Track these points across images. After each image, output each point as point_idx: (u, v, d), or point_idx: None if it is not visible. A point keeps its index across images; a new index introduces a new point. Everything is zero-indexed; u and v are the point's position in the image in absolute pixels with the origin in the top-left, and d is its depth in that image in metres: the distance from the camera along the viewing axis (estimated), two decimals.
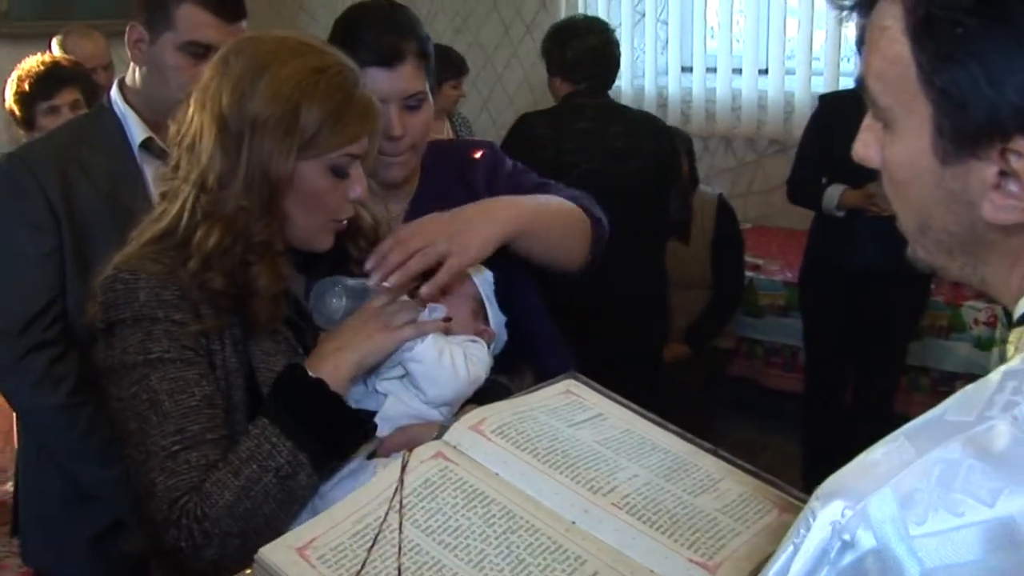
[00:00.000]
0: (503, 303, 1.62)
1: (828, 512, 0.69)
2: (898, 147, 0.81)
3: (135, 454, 1.29)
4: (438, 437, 1.22)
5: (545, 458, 1.19)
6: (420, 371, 1.40)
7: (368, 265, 1.47)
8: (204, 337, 1.34)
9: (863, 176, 3.41)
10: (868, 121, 0.86)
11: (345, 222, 1.46)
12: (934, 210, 0.80)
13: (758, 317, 4.29)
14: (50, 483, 2.07)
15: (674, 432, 1.30)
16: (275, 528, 1.26)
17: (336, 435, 1.32)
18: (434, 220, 1.55)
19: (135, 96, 2.06)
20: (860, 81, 0.84)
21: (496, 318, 1.59)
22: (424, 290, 1.46)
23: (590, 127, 3.36)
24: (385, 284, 1.44)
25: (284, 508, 1.29)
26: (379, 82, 1.67)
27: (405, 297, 1.47)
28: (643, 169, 3.35)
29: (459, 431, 1.22)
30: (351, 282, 1.44)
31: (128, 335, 1.31)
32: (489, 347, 1.53)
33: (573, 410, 1.31)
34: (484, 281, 1.59)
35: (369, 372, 1.43)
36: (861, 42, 0.87)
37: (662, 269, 3.60)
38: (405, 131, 1.73)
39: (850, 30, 3.76)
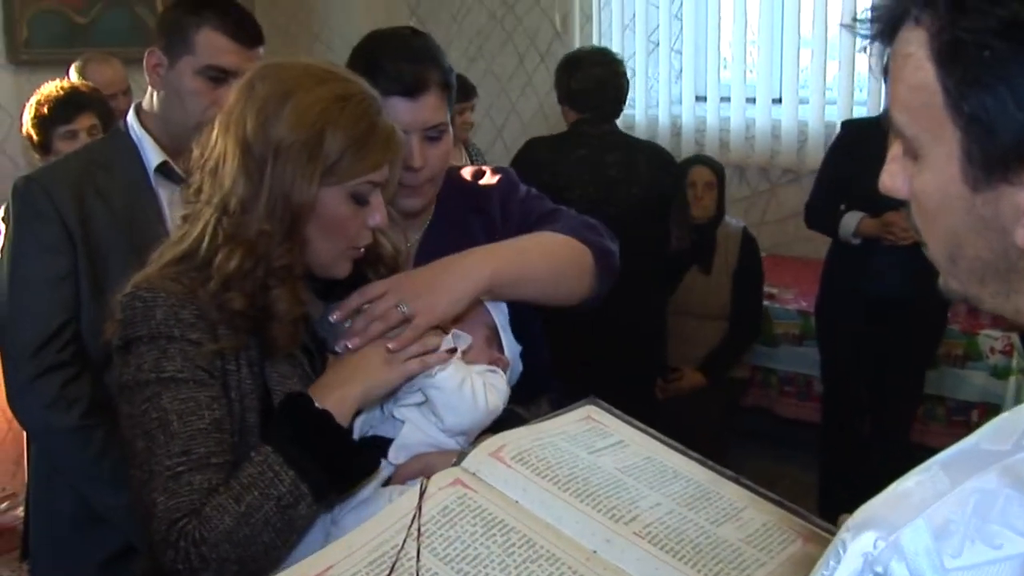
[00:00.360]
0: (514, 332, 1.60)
1: (860, 543, 0.68)
2: (927, 176, 0.79)
3: (139, 473, 1.29)
4: (456, 464, 1.21)
5: (565, 485, 1.18)
6: (440, 399, 1.38)
7: (332, 318, 1.46)
8: (220, 358, 1.33)
9: (882, 204, 3.49)
10: (895, 151, 0.84)
11: (363, 249, 1.46)
12: (965, 238, 0.78)
13: (773, 346, 4.27)
14: (61, 506, 2.05)
15: (695, 459, 1.29)
16: (273, 556, 1.27)
17: (339, 467, 1.31)
18: (404, 278, 1.52)
19: (152, 120, 2.07)
20: (886, 113, 0.82)
21: (511, 347, 1.57)
22: (391, 346, 1.41)
23: (588, 155, 3.43)
24: (348, 346, 1.42)
25: (283, 537, 1.27)
26: (401, 112, 1.66)
27: None
28: (640, 198, 3.38)
29: (478, 458, 1.21)
30: (366, 306, 1.43)
31: (144, 352, 1.31)
32: (505, 376, 1.52)
33: (593, 437, 1.30)
34: (499, 310, 1.58)
35: (387, 397, 1.42)
36: (886, 72, 0.86)
37: (661, 298, 3.61)
38: (425, 162, 1.72)
39: (863, 60, 3.76)
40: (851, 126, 3.83)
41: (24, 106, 3.20)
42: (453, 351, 1.43)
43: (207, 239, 1.35)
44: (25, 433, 2.44)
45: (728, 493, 1.22)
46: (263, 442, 1.30)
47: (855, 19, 0.83)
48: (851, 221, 3.61)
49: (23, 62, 4.73)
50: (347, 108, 1.35)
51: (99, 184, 1.99)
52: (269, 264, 1.34)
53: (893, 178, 0.84)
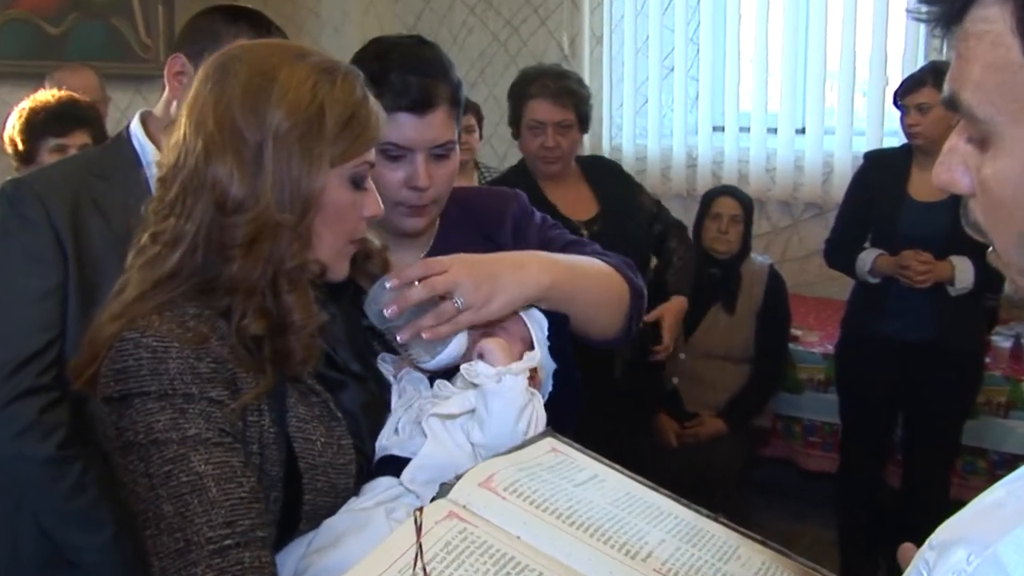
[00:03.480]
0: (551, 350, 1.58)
1: (949, 562, 0.67)
2: (1001, 162, 0.77)
3: (168, 540, 1.19)
4: (442, 496, 1.18)
5: (568, 519, 1.16)
6: (497, 411, 1.35)
7: (389, 284, 1.43)
8: (241, 418, 1.27)
9: (902, 241, 3.50)
10: (953, 142, 0.83)
11: (359, 244, 1.44)
12: None
13: (796, 392, 4.26)
14: (25, 545, 2.01)
15: (668, 496, 1.30)
16: None
17: None
18: (463, 262, 1.51)
19: (163, 131, 2.05)
20: (949, 97, 0.80)
21: (546, 365, 1.55)
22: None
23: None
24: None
25: None
26: (407, 129, 1.66)
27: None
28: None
29: (467, 489, 1.18)
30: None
31: (153, 411, 1.22)
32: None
33: (568, 469, 1.28)
34: (537, 324, 1.56)
35: (410, 411, 1.42)
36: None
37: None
38: (431, 182, 1.72)
39: (895, 84, 3.78)
40: (875, 157, 3.87)
41: None
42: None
43: (201, 252, 1.28)
44: None
45: (714, 531, 1.23)
46: None
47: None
48: (867, 258, 3.66)
49: None
50: (338, 81, 1.33)
51: (96, 194, 1.96)
52: (279, 266, 1.29)
53: (951, 171, 0.82)
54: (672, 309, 3.53)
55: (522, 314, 1.56)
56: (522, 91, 3.42)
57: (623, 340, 1.79)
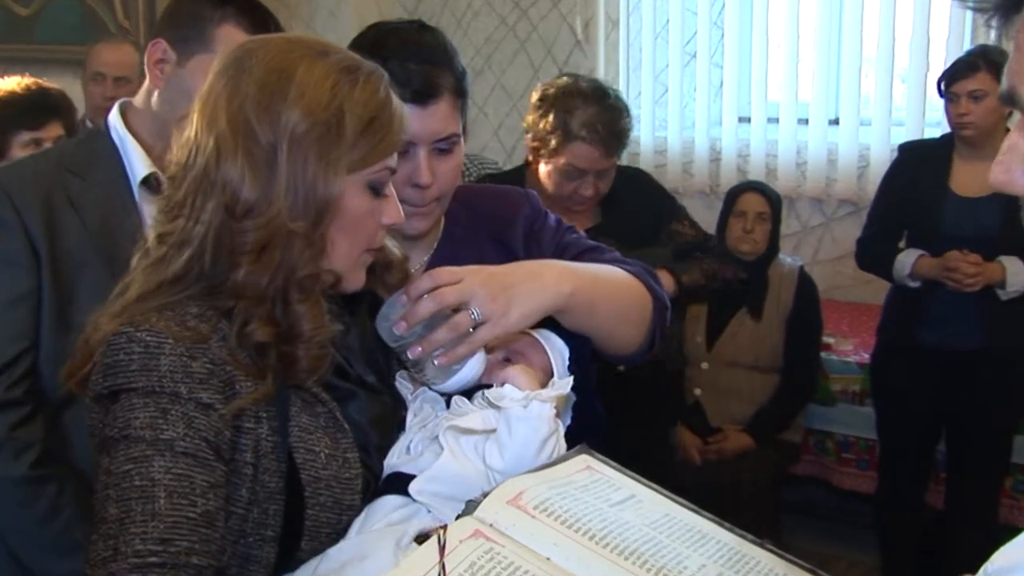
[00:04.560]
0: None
1: None
2: None
3: (101, 547, 1.19)
4: (468, 513, 1.19)
5: (603, 541, 1.17)
6: (521, 436, 1.36)
7: (400, 300, 1.45)
8: (230, 427, 1.27)
9: (945, 241, 3.49)
10: (1013, 139, 0.83)
11: (376, 253, 1.45)
12: None
13: (829, 405, 4.24)
14: None
15: (711, 519, 1.32)
16: None
17: None
18: (476, 272, 1.53)
19: (143, 123, 2.05)
20: (1008, 92, 0.80)
21: (568, 397, 1.56)
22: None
23: None
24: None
25: None
26: (409, 121, 1.65)
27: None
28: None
29: (495, 506, 1.19)
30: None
31: (136, 407, 1.24)
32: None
33: (604, 488, 1.31)
34: (558, 354, 1.58)
35: (425, 430, 1.43)
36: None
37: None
38: (434, 178, 1.72)
39: (937, 71, 3.77)
40: (911, 149, 3.86)
41: None
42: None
43: (209, 255, 1.30)
44: None
45: (760, 557, 1.24)
46: None
47: None
48: (907, 260, 3.63)
49: None
50: (360, 81, 1.34)
51: (72, 192, 1.96)
52: (291, 274, 1.31)
53: (1009, 171, 0.83)
54: None
55: (542, 341, 1.57)
56: (565, 125, 3.11)
57: (643, 355, 1.80)
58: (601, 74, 5.43)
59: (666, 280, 3.33)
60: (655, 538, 1.20)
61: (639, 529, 1.20)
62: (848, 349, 4.32)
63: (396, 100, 1.39)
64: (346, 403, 1.41)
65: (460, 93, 1.76)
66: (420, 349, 1.44)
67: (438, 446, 1.41)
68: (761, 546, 1.27)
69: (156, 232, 1.36)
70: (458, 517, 1.17)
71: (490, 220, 1.88)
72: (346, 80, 1.33)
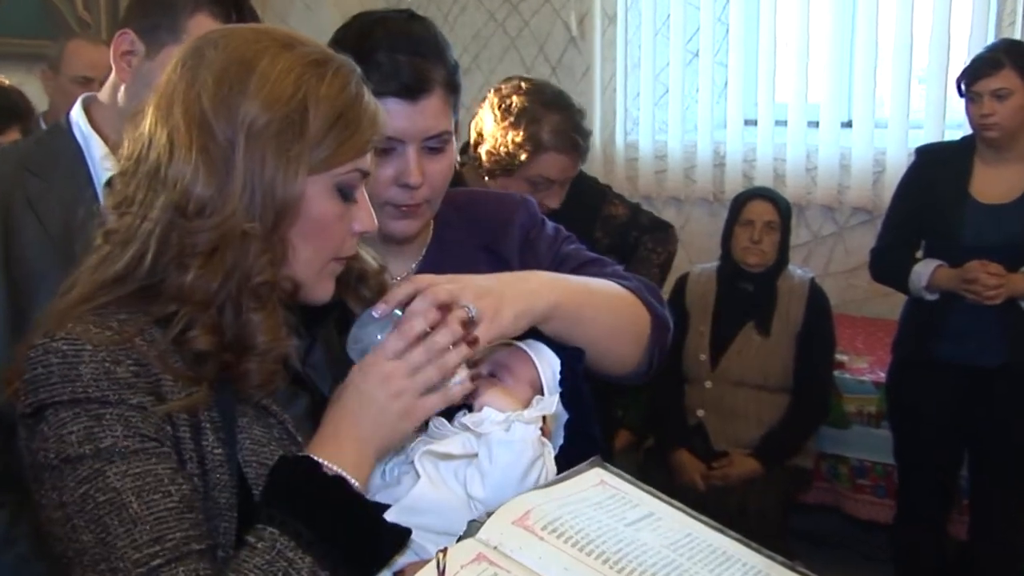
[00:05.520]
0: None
1: None
2: None
3: (91, 575, 1.20)
4: (470, 535, 1.18)
5: (617, 564, 1.16)
6: (502, 462, 1.35)
7: (376, 312, 1.42)
8: (169, 424, 1.27)
9: (964, 251, 3.49)
10: None
11: (345, 262, 1.44)
12: None
13: (842, 428, 4.24)
14: None
15: (737, 539, 1.32)
16: None
17: (364, 547, 1.26)
18: (457, 277, 1.51)
19: (109, 120, 2.04)
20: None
21: (557, 416, 1.54)
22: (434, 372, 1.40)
23: None
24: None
25: None
26: (396, 117, 1.65)
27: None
28: None
29: (499, 527, 1.18)
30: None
31: (66, 421, 1.23)
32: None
33: (619, 505, 1.31)
34: (548, 366, 1.56)
35: (400, 453, 1.42)
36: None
37: None
38: (424, 179, 1.71)
39: (956, 70, 3.77)
40: (928, 152, 3.86)
41: None
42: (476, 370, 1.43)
43: (150, 256, 1.29)
44: None
45: None
46: (260, 523, 1.25)
47: None
48: (924, 271, 3.63)
49: None
50: (327, 75, 1.33)
51: (31, 193, 1.95)
52: (246, 280, 1.30)
53: None
54: None
55: (530, 352, 1.55)
56: (535, 137, 3.09)
57: (642, 375, 1.79)
58: (597, 73, 5.44)
59: None
60: (675, 561, 1.19)
61: (658, 551, 1.19)
62: (863, 367, 4.32)
63: (370, 97, 1.38)
64: (303, 420, 1.40)
65: (452, 88, 1.75)
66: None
67: (415, 472, 1.40)
68: (792, 568, 1.27)
69: (103, 229, 1.36)
70: (459, 539, 1.17)
71: (483, 227, 1.88)
72: (312, 73, 1.32)
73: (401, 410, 1.34)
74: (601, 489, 1.32)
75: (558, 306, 1.57)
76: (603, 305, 1.69)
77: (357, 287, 1.51)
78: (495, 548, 1.15)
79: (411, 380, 1.35)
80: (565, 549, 1.15)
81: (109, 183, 1.98)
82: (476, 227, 1.88)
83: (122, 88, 2.04)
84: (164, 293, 1.30)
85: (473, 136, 3.20)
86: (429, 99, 1.70)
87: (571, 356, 1.60)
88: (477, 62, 5.83)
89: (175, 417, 1.27)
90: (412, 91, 1.68)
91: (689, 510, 1.35)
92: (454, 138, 1.78)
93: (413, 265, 1.83)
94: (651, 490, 1.36)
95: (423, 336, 1.37)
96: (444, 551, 1.12)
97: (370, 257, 1.53)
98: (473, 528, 1.18)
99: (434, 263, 1.82)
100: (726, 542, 1.29)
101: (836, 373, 4.22)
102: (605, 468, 1.37)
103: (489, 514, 1.20)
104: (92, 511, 1.21)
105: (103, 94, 2.08)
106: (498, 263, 1.80)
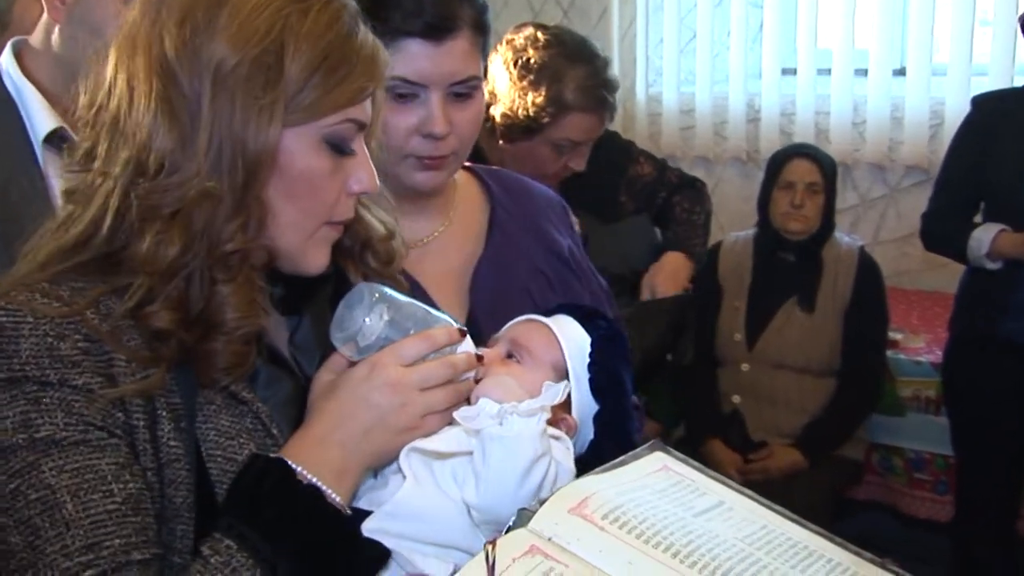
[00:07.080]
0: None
1: None
2: None
3: None
4: (521, 524, 1.18)
5: (687, 558, 1.17)
6: (500, 462, 1.32)
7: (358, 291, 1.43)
8: (121, 409, 1.26)
9: None
10: None
11: (343, 228, 1.43)
12: None
13: (897, 415, 4.24)
14: None
15: (818, 532, 1.34)
16: None
17: (333, 569, 1.27)
18: None
19: (44, 67, 2.05)
20: None
21: (584, 405, 1.54)
22: (443, 395, 1.41)
23: None
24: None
25: None
26: (420, 60, 1.69)
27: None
28: None
29: (554, 516, 1.18)
30: (402, 298, 1.40)
31: (2, 404, 1.24)
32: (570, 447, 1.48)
33: (686, 493, 1.31)
34: (575, 346, 1.55)
35: None
36: None
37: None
38: (451, 128, 1.73)
39: None
40: (986, 103, 3.83)
41: None
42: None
43: (109, 218, 1.29)
44: None
45: None
46: (217, 531, 1.24)
47: None
48: (984, 237, 3.62)
49: None
50: (312, 10, 1.32)
51: None
52: (215, 247, 1.29)
53: None
54: (662, 269, 3.52)
55: (554, 328, 1.55)
56: (559, 97, 3.08)
57: None
58: (615, 16, 5.43)
59: (683, 264, 3.56)
60: (752, 555, 1.19)
61: (732, 544, 1.20)
62: (919, 347, 4.32)
63: (366, 36, 1.38)
64: (285, 406, 1.40)
65: (481, 28, 1.77)
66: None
67: (401, 475, 1.38)
68: (882, 566, 1.27)
69: (63, 188, 1.36)
70: (510, 529, 1.17)
71: (539, 206, 1.96)
72: (293, 8, 1.31)
73: (402, 425, 1.34)
74: (665, 475, 1.32)
75: None
76: None
77: (363, 255, 1.51)
78: (549, 540, 1.15)
79: (421, 395, 1.35)
80: (628, 540, 1.15)
81: (49, 139, 1.99)
82: (530, 205, 1.95)
83: (56, 30, 2.04)
84: (125, 261, 1.29)
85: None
86: (456, 40, 1.72)
87: (606, 334, 1.59)
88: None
89: (128, 402, 1.26)
90: (437, 31, 1.70)
91: (763, 499, 1.36)
92: (483, 84, 1.80)
93: (440, 228, 1.85)
94: (720, 477, 1.37)
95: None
96: (493, 543, 1.12)
97: (378, 221, 1.53)
98: (524, 517, 1.18)
99: (498, 247, 1.87)
100: (806, 535, 1.30)
101: (889, 353, 4.22)
102: (668, 452, 1.37)
103: (542, 502, 1.19)
104: (22, 510, 1.21)
105: (35, 38, 2.09)
106: (550, 251, 1.90)
